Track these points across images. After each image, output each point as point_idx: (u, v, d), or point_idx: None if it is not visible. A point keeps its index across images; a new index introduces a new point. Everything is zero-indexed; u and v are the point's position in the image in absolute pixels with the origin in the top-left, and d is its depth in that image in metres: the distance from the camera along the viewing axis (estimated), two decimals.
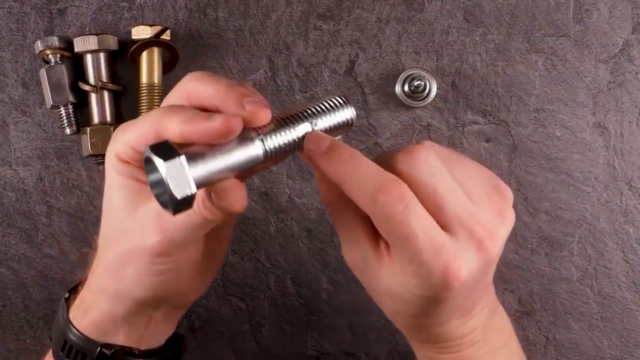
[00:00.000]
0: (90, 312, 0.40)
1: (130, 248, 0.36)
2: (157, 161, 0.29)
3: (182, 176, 0.29)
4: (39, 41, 0.52)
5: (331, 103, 0.35)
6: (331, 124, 0.35)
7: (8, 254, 0.55)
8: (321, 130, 0.34)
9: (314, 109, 0.34)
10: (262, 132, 0.32)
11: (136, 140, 0.34)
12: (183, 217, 0.33)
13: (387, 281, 0.35)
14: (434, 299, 0.34)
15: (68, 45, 0.53)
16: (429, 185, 0.33)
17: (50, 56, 0.52)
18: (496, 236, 0.34)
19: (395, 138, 0.55)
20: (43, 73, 0.52)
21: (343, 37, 0.54)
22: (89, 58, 0.53)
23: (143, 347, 0.42)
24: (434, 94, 0.53)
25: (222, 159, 0.30)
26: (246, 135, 0.31)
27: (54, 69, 0.52)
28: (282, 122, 0.33)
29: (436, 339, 0.38)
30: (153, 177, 0.30)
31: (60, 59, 0.52)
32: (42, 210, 0.55)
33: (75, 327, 0.40)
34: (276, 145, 0.32)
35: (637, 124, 0.54)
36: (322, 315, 0.56)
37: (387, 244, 0.35)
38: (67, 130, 0.53)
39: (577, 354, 0.55)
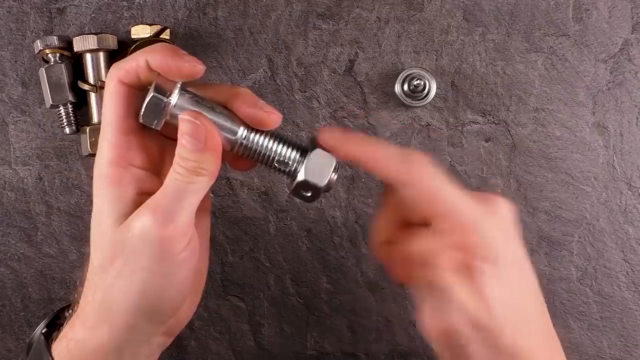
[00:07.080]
0: (92, 356, 0.37)
1: (136, 254, 0.35)
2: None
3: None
4: (38, 40, 0.52)
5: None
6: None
7: (7, 253, 0.55)
8: (285, 164, 0.38)
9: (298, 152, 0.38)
10: (250, 129, 0.38)
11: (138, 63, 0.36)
12: (176, 182, 0.35)
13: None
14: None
15: (67, 44, 0.52)
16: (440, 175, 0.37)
17: (50, 55, 0.52)
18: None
19: (394, 137, 0.55)
20: (42, 72, 0.52)
21: (343, 36, 0.54)
22: (88, 57, 0.52)
23: None
24: (434, 94, 0.53)
25: (206, 112, 0.36)
26: (238, 121, 0.37)
27: (54, 69, 0.52)
28: (272, 136, 0.38)
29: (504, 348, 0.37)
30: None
31: (60, 58, 0.52)
32: (41, 210, 0.55)
33: None
34: (253, 141, 0.37)
35: (636, 124, 0.54)
36: (322, 315, 0.56)
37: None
38: (67, 130, 0.53)
39: (576, 353, 0.55)
